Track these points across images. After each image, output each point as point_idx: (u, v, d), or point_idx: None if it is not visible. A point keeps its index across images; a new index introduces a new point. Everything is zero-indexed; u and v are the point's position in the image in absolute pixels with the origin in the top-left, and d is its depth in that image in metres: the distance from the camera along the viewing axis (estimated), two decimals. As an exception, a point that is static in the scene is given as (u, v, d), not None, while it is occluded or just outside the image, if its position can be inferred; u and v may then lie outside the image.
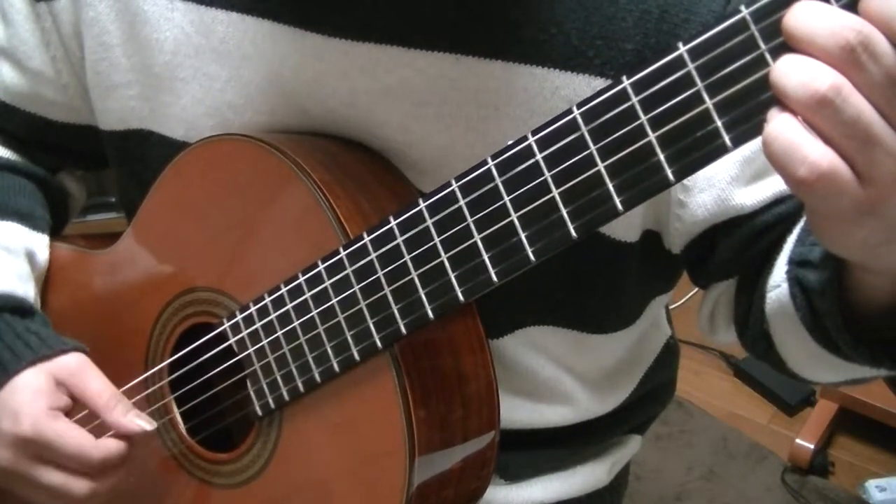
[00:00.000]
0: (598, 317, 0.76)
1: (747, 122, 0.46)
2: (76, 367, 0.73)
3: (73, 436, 0.69)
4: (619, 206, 0.50)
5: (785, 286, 0.65)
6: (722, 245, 0.70)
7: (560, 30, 0.64)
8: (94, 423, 0.71)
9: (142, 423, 0.71)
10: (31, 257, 0.82)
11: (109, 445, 0.70)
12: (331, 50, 0.68)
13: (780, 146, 0.43)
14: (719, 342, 0.81)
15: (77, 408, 0.72)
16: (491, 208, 0.54)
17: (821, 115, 0.42)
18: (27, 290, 0.79)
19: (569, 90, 0.65)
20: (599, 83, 0.64)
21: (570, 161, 0.50)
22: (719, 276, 0.75)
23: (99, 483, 0.71)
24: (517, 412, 0.78)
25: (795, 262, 0.64)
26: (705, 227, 0.69)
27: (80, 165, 0.93)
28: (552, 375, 0.77)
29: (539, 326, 0.75)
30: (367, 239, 0.59)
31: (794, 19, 0.42)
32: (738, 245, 0.69)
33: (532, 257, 0.54)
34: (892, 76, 0.42)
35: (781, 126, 0.43)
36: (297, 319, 0.64)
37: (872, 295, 0.57)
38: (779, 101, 0.44)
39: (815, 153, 0.42)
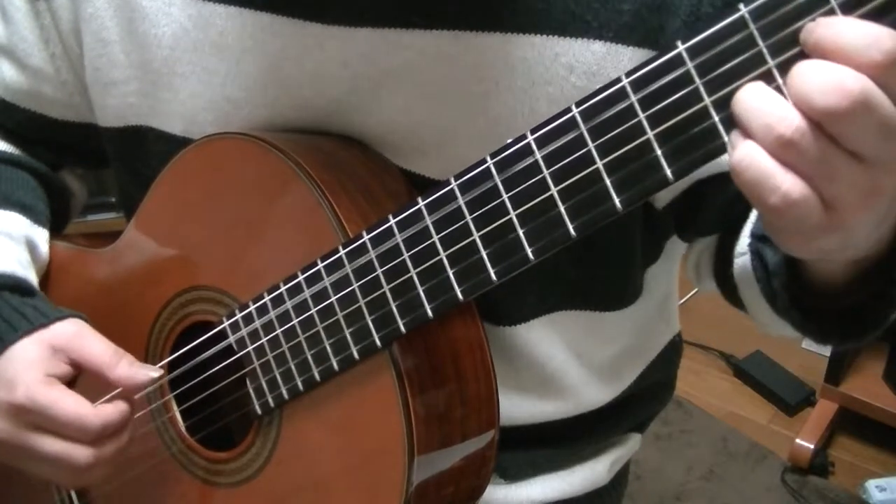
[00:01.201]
0: (608, 289, 0.77)
1: (746, 121, 0.46)
2: (73, 332, 0.72)
3: (69, 402, 0.68)
4: (619, 205, 0.50)
5: (748, 256, 0.68)
6: (707, 202, 0.71)
7: None
8: (101, 396, 0.70)
9: (149, 372, 0.70)
10: (32, 248, 0.82)
11: (108, 410, 0.69)
12: (330, 38, 0.68)
13: (752, 175, 0.45)
14: (706, 290, 0.83)
15: (82, 381, 0.71)
16: (489, 206, 0.54)
17: (784, 153, 0.44)
18: (28, 274, 0.79)
19: (569, 56, 0.64)
20: (598, 46, 0.64)
21: (569, 159, 0.50)
22: (703, 233, 0.77)
23: (100, 450, 0.69)
24: (517, 409, 0.78)
25: (756, 237, 0.66)
26: (692, 181, 0.69)
27: (81, 163, 0.93)
28: (560, 365, 0.77)
29: (562, 311, 0.75)
30: (366, 237, 0.59)
31: (800, 76, 0.43)
32: (723, 203, 0.70)
33: (531, 256, 0.54)
34: (882, 126, 0.43)
35: (752, 154, 0.45)
36: (297, 318, 0.64)
37: (827, 275, 0.59)
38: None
39: (787, 183, 0.44)
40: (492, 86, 0.66)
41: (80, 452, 0.69)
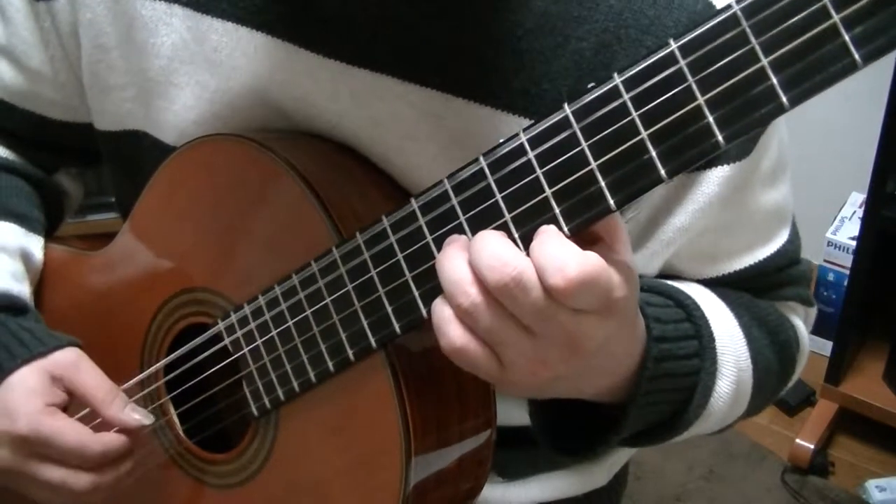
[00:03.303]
0: None
1: (739, 120, 0.46)
2: (71, 362, 0.72)
3: (71, 431, 0.69)
4: (612, 205, 0.50)
5: None
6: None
7: (553, 86, 0.65)
8: (95, 421, 0.71)
9: (139, 417, 0.71)
10: (26, 258, 0.82)
11: (109, 438, 0.70)
12: (323, 70, 0.68)
13: (434, 320, 0.54)
14: None
15: (76, 405, 0.72)
16: (483, 206, 0.53)
17: (463, 318, 0.52)
18: (22, 289, 0.79)
19: None
20: None
21: (562, 158, 0.50)
22: None
23: (100, 477, 0.70)
24: (514, 410, 0.78)
25: None
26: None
27: (79, 163, 0.93)
28: None
29: None
30: (360, 239, 0.59)
31: (475, 243, 0.51)
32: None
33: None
34: (536, 307, 0.50)
35: (438, 303, 0.53)
36: (292, 320, 0.64)
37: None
38: None
39: (452, 334, 0.52)
40: (475, 154, 0.66)
41: (80, 479, 0.70)
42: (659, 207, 0.69)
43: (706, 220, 0.70)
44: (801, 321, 0.83)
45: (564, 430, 0.68)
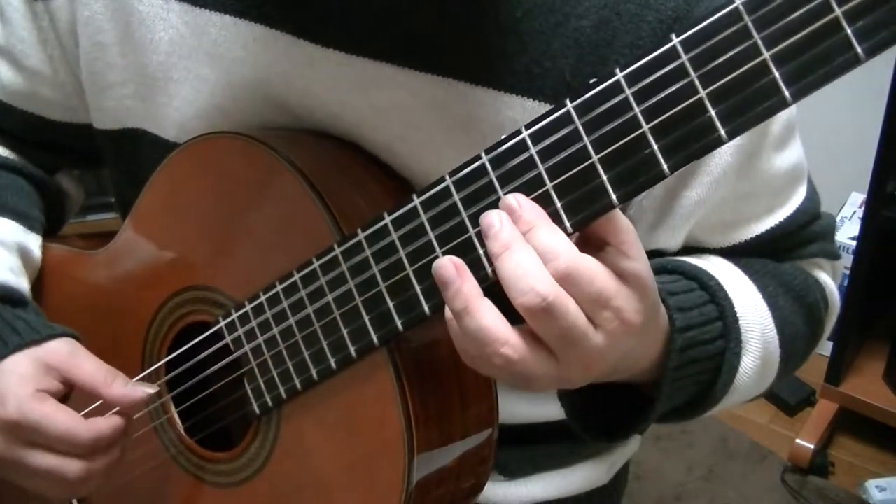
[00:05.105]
0: None
1: (742, 115, 0.46)
2: (67, 351, 0.72)
3: (60, 417, 0.68)
4: (615, 200, 0.50)
5: None
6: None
7: (554, 64, 0.64)
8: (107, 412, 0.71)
9: (145, 388, 0.70)
10: (24, 255, 0.81)
11: (100, 424, 0.69)
12: (323, 60, 0.68)
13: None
14: None
15: (77, 398, 0.71)
16: (485, 203, 0.53)
17: (532, 320, 0.51)
18: (20, 282, 0.79)
19: None
20: None
21: (564, 154, 0.50)
22: None
23: (92, 463, 0.69)
24: (516, 407, 0.78)
25: None
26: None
27: (78, 164, 0.93)
28: None
29: None
30: (361, 235, 0.59)
31: (537, 237, 0.50)
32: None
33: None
34: (599, 297, 0.51)
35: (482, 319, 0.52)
36: (293, 317, 0.64)
37: None
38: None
39: (517, 341, 0.52)
40: (479, 138, 0.66)
41: (71, 466, 0.69)
42: (674, 180, 0.70)
43: (723, 191, 0.70)
44: (828, 277, 0.83)
45: (595, 416, 0.68)
